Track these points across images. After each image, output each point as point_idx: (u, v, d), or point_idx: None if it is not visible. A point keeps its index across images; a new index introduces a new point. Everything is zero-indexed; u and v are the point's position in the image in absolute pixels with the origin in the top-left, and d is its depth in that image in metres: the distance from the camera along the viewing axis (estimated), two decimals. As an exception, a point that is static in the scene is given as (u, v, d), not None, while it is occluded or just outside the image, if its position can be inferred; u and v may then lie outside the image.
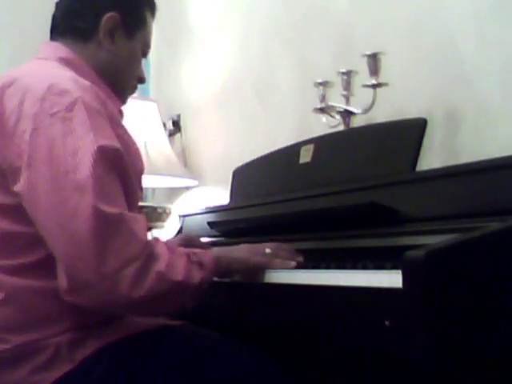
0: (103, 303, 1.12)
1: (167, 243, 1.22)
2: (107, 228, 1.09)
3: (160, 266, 1.13)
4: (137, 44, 1.40)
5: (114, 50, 1.36)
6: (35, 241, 1.16)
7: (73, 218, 1.09)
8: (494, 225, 1.02)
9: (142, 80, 1.46)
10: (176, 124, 3.00)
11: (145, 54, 1.45)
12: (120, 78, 1.39)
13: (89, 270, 1.07)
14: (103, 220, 1.09)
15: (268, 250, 1.30)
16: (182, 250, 1.22)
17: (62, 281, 1.11)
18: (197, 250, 1.24)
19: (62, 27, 1.37)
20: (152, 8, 1.45)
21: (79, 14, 1.36)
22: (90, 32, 1.35)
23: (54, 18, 1.39)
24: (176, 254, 1.18)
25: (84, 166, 1.11)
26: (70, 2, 1.38)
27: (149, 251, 1.13)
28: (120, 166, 1.17)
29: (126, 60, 1.39)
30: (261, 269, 1.28)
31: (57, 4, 1.40)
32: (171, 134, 2.98)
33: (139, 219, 1.15)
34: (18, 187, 1.14)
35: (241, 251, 1.31)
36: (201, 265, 1.20)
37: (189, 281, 1.16)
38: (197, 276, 1.18)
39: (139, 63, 1.43)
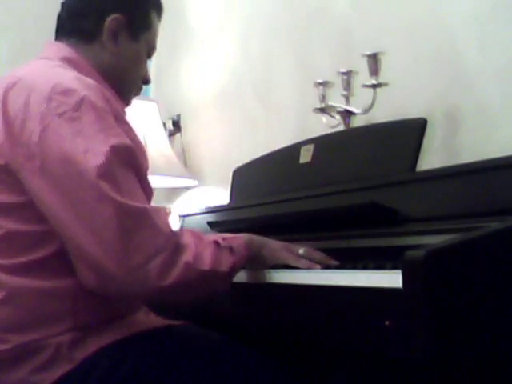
0: (132, 295, 1.16)
1: (195, 232, 1.22)
2: (131, 222, 1.10)
3: (187, 256, 1.14)
4: (142, 46, 1.40)
5: (117, 52, 1.36)
6: (36, 240, 1.16)
7: (94, 218, 1.09)
8: (494, 225, 1.02)
9: (147, 81, 1.46)
10: (176, 124, 3.00)
11: (150, 55, 1.44)
12: (124, 79, 1.39)
13: (115, 266, 1.08)
14: (127, 214, 1.10)
15: (301, 251, 1.28)
16: (211, 237, 1.23)
17: (88, 278, 1.12)
18: (227, 235, 1.25)
19: (67, 27, 1.36)
20: (158, 10, 1.45)
21: (84, 14, 1.36)
22: (94, 33, 1.34)
23: (59, 18, 1.39)
24: (204, 243, 1.19)
25: (97, 165, 1.11)
26: (75, 3, 1.38)
27: (174, 243, 1.14)
28: (134, 161, 1.18)
29: (130, 62, 1.39)
30: (287, 264, 1.26)
31: (62, 4, 1.40)
32: (171, 134, 2.98)
33: (161, 212, 1.17)
34: (34, 191, 1.14)
35: (275, 243, 1.31)
36: (231, 250, 1.21)
37: (218, 268, 1.18)
38: (227, 262, 1.19)
39: (144, 65, 1.43)
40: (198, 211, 2.08)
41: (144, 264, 1.09)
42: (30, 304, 1.16)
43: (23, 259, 1.17)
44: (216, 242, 1.20)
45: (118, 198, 1.10)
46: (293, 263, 1.26)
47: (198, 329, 1.31)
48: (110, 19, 1.34)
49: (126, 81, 1.40)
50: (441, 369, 0.99)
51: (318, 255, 1.28)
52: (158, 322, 1.31)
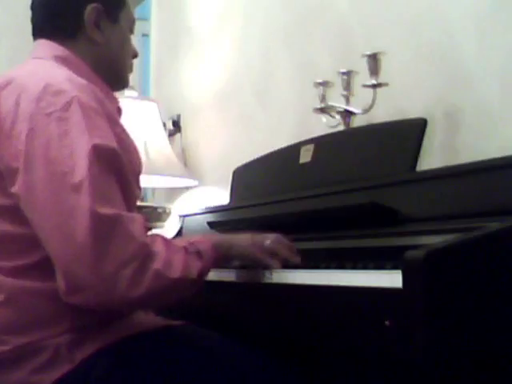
0: (102, 303, 1.12)
1: (165, 238, 1.21)
2: (104, 229, 1.09)
3: (157, 264, 1.12)
4: (123, 25, 1.40)
5: (105, 40, 1.35)
6: (34, 242, 1.16)
7: (70, 220, 1.09)
8: (494, 225, 1.02)
9: (135, 55, 1.46)
10: (176, 124, 3.00)
11: (131, 30, 1.45)
12: (117, 64, 1.39)
13: (86, 272, 1.07)
14: (100, 221, 1.09)
15: (268, 243, 1.29)
16: (180, 242, 1.22)
17: (60, 283, 1.10)
18: (195, 239, 1.24)
19: (47, 29, 1.34)
20: None
21: (60, 13, 1.34)
22: (76, 29, 1.33)
23: (33, 22, 1.37)
24: (173, 250, 1.17)
25: (80, 167, 1.10)
26: (48, 4, 1.35)
27: (146, 251, 1.12)
28: (116, 165, 1.17)
29: (119, 45, 1.39)
30: (255, 263, 1.28)
31: (32, 8, 1.37)
32: (171, 134, 2.98)
33: (136, 219, 1.15)
34: (15, 189, 1.14)
35: (242, 240, 1.30)
36: (199, 254, 1.20)
37: (187, 276, 1.16)
38: (195, 268, 1.18)
39: (130, 42, 1.43)
40: (198, 211, 2.08)
41: (115, 271, 1.08)
42: (29, 305, 1.16)
43: (21, 262, 1.17)
44: (185, 248, 1.19)
45: (94, 203, 1.09)
46: (259, 263, 1.27)
47: (198, 329, 1.31)
48: (89, 11, 1.33)
49: (119, 65, 1.40)
50: (441, 369, 0.99)
51: (284, 250, 1.29)
52: (158, 322, 1.31)
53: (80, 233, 1.07)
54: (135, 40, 1.56)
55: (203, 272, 1.21)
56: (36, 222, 1.13)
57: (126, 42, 1.41)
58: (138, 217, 1.16)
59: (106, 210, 1.10)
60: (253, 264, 1.30)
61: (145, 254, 1.12)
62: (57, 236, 1.10)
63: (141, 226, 1.15)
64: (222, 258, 1.26)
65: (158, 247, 1.15)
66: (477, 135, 1.68)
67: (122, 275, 1.08)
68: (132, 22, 1.44)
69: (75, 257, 1.08)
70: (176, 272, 1.15)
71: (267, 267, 1.27)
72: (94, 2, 1.33)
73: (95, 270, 1.07)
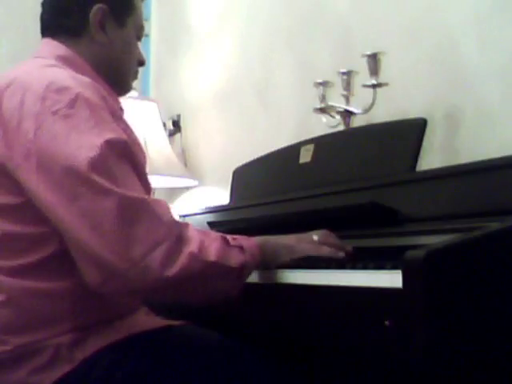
0: (137, 288, 1.11)
1: (199, 229, 1.19)
2: (130, 213, 1.09)
3: (192, 247, 1.11)
4: (130, 30, 1.39)
5: (108, 42, 1.35)
6: (35, 242, 1.16)
7: (94, 210, 1.08)
8: (494, 225, 1.02)
9: (142, 63, 1.45)
10: (176, 124, 3.00)
11: (139, 37, 1.44)
12: (119, 68, 1.39)
13: (117, 258, 1.07)
14: (125, 206, 1.09)
15: (315, 237, 1.27)
16: (218, 234, 1.20)
17: (92, 275, 1.10)
18: (238, 236, 1.22)
19: (52, 27, 1.36)
20: None
21: (66, 11, 1.34)
22: (81, 28, 1.34)
23: (42, 18, 1.38)
24: (209, 237, 1.16)
25: (92, 158, 1.10)
26: (55, 1, 1.36)
27: (176, 233, 1.11)
28: (130, 155, 1.17)
29: (122, 48, 1.38)
30: (308, 255, 1.24)
31: (42, 4, 1.39)
32: (171, 134, 2.98)
33: (162, 202, 1.15)
34: (32, 191, 1.14)
35: (287, 239, 1.28)
36: (241, 249, 1.18)
37: (224, 262, 1.14)
38: (236, 259, 1.16)
39: (136, 48, 1.42)
40: (198, 211, 2.08)
41: (146, 255, 1.07)
42: (30, 305, 1.16)
43: (21, 261, 1.17)
44: (223, 238, 1.18)
45: (115, 189, 1.09)
46: (315, 253, 1.24)
47: (198, 329, 1.31)
48: (94, 11, 1.33)
49: (121, 69, 1.39)
50: (441, 369, 0.99)
51: (333, 239, 1.28)
52: (158, 322, 1.31)
53: (107, 219, 1.07)
54: (135, 40, 1.55)
55: (246, 266, 1.17)
56: (60, 220, 1.12)
57: (130, 47, 1.40)
58: (163, 201, 1.16)
59: (130, 193, 1.10)
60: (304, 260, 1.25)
61: (176, 235, 1.11)
62: (83, 228, 1.09)
63: (167, 209, 1.15)
64: (268, 259, 1.24)
65: (192, 232, 1.14)
66: (477, 135, 1.68)
67: (153, 257, 1.07)
68: (140, 29, 1.43)
69: (104, 243, 1.07)
70: (211, 256, 1.13)
71: (329, 260, 1.22)
72: (101, 2, 1.34)
73: (125, 254, 1.07)
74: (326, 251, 1.25)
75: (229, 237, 1.20)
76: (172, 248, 1.09)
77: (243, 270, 1.18)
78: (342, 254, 1.24)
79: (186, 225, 1.17)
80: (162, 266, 1.08)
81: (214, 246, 1.15)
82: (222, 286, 1.18)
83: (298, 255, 1.25)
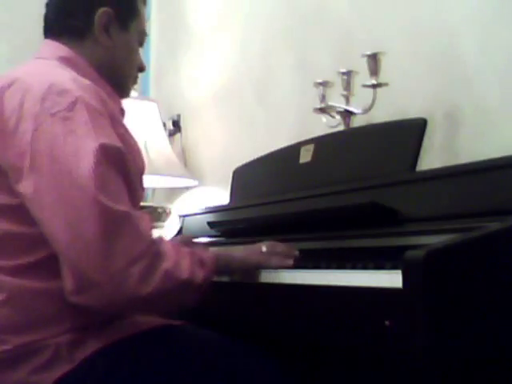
0: (110, 303, 1.11)
1: (170, 242, 1.22)
2: (113, 226, 1.09)
3: (167, 264, 1.13)
4: (132, 35, 1.40)
5: (111, 45, 1.36)
6: (35, 241, 1.16)
7: (78, 218, 1.08)
8: (494, 225, 1.02)
9: (142, 69, 1.46)
10: (176, 124, 3.00)
11: (141, 42, 1.45)
12: (120, 71, 1.39)
13: (95, 270, 1.07)
14: (109, 217, 1.09)
15: (264, 249, 1.31)
16: (185, 248, 1.22)
17: (68, 282, 1.10)
18: (196, 249, 1.24)
19: (56, 28, 1.36)
20: None
21: (71, 12, 1.35)
22: (85, 30, 1.34)
23: (46, 19, 1.39)
24: (181, 253, 1.18)
25: (86, 164, 1.10)
26: (61, 2, 1.37)
27: (155, 250, 1.13)
28: (122, 164, 1.17)
29: (124, 53, 1.39)
30: (258, 268, 1.29)
31: (47, 5, 1.39)
32: (171, 134, 2.98)
33: (144, 217, 1.16)
34: (21, 189, 1.14)
35: (237, 250, 1.34)
36: (202, 263, 1.20)
37: (193, 279, 1.17)
38: (199, 274, 1.18)
39: (137, 53, 1.44)
40: (198, 211, 2.08)
41: (123, 269, 1.08)
42: (30, 305, 1.16)
43: (22, 261, 1.17)
44: (192, 254, 1.20)
45: (105, 200, 1.09)
46: (265, 265, 1.29)
47: (198, 329, 1.31)
48: (100, 14, 1.34)
49: (122, 73, 1.40)
50: (441, 369, 0.99)
51: (281, 247, 1.33)
52: (158, 322, 1.31)
53: (89, 229, 1.07)
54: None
55: (205, 280, 1.20)
56: (44, 222, 1.13)
57: (132, 51, 1.41)
58: (145, 215, 1.17)
59: (115, 207, 1.10)
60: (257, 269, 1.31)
61: (154, 253, 1.12)
62: (65, 233, 1.09)
63: (148, 225, 1.16)
64: (221, 271, 1.28)
65: (167, 248, 1.16)
66: (477, 135, 1.68)
67: (130, 273, 1.08)
68: (143, 34, 1.44)
69: (84, 253, 1.07)
70: (184, 274, 1.15)
71: (274, 267, 1.28)
72: (107, 5, 1.34)
73: (103, 267, 1.07)
74: (275, 263, 1.29)
75: (191, 251, 1.21)
76: (149, 265, 1.10)
77: (204, 284, 1.20)
78: (290, 262, 1.30)
79: (161, 240, 1.18)
80: (138, 283, 1.09)
81: (185, 261, 1.17)
82: (185, 299, 1.21)
83: (249, 267, 1.31)
